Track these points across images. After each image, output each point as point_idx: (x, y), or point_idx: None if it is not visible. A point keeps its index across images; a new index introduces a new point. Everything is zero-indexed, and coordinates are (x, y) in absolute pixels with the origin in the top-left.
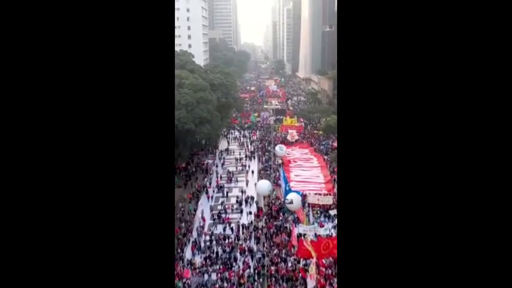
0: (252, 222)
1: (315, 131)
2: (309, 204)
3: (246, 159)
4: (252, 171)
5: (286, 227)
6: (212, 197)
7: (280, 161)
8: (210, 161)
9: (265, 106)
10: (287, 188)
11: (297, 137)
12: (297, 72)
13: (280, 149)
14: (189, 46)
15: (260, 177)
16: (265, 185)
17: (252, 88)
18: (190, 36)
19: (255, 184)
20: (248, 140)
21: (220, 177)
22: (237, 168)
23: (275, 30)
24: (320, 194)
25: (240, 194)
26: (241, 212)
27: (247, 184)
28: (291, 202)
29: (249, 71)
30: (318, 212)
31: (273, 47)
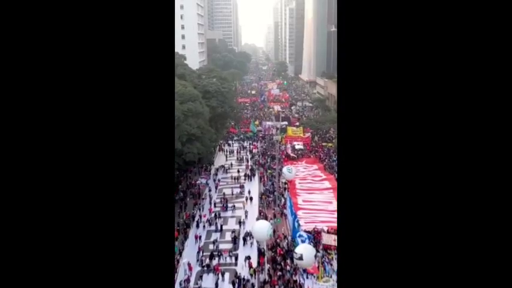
0: (250, 267)
1: (324, 144)
2: (323, 246)
3: (245, 179)
4: (251, 198)
5: (296, 281)
6: (201, 236)
7: (283, 180)
8: (203, 181)
9: (268, 123)
10: (295, 225)
11: (293, 155)
12: (300, 75)
13: (288, 171)
14: (183, 47)
15: (261, 205)
16: (263, 228)
17: (253, 92)
18: (184, 36)
19: (255, 220)
20: (248, 152)
21: (214, 204)
22: (233, 193)
23: (277, 30)
24: (336, 233)
25: (237, 226)
26: (237, 258)
27: (245, 215)
28: (301, 258)
29: (249, 72)
30: (335, 256)
31: (275, 48)
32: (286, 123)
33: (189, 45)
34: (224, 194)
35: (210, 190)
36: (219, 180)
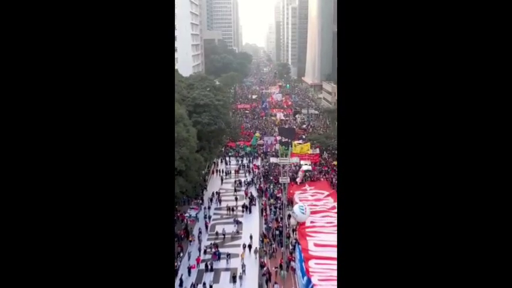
0: None
1: (335, 162)
2: None
3: (243, 211)
4: (250, 246)
5: None
6: None
7: (289, 213)
8: (193, 214)
9: (273, 159)
10: None
11: (300, 180)
12: (304, 77)
13: (301, 211)
14: None
15: (263, 251)
16: None
17: (254, 97)
18: (175, 38)
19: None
20: (247, 173)
21: (205, 250)
22: (225, 237)
23: (278, 30)
24: None
25: (231, 286)
26: None
27: (243, 269)
28: None
29: (250, 75)
30: None
31: (276, 48)
32: (297, 160)
33: (181, 47)
34: (217, 233)
35: (200, 232)
36: (209, 217)
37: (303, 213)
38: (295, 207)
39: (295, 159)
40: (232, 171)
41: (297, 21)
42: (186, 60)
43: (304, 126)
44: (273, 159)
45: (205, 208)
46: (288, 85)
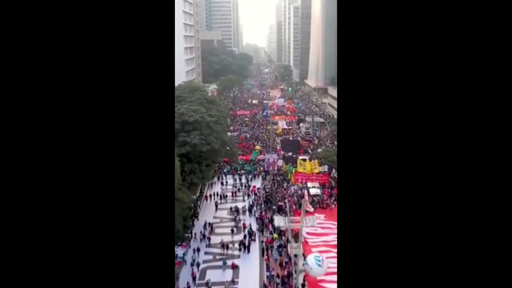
0: None
1: None
2: None
3: (240, 250)
4: None
5: None
6: None
7: (295, 252)
8: (180, 253)
9: (277, 218)
10: None
11: (312, 208)
12: (306, 80)
13: (317, 263)
14: None
15: None
16: None
17: (254, 101)
18: None
19: None
20: (246, 196)
21: None
22: None
23: (280, 31)
24: None
25: None
26: None
27: None
28: None
29: (250, 76)
30: None
31: (278, 49)
32: (312, 222)
33: None
34: (207, 284)
35: (188, 286)
36: (198, 265)
37: (319, 265)
38: (310, 258)
39: (311, 221)
40: (229, 194)
41: (299, 21)
42: (177, 65)
43: (308, 136)
44: (278, 220)
45: (194, 251)
46: (290, 88)
